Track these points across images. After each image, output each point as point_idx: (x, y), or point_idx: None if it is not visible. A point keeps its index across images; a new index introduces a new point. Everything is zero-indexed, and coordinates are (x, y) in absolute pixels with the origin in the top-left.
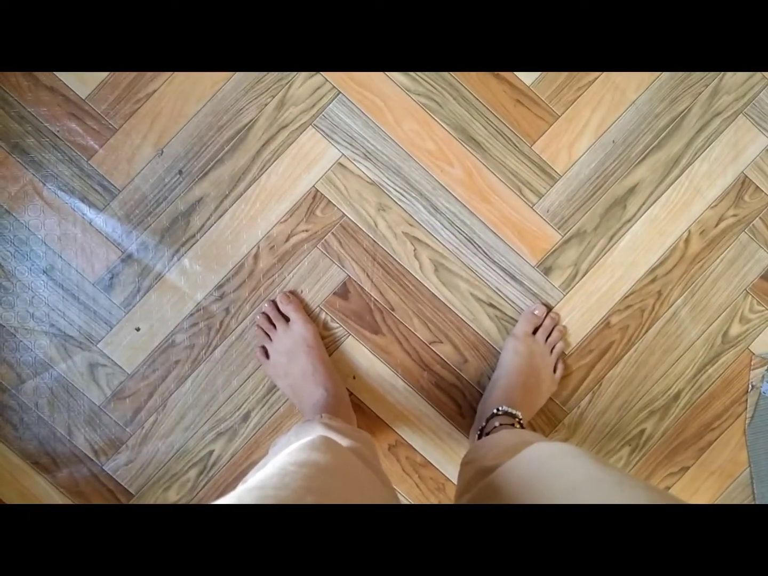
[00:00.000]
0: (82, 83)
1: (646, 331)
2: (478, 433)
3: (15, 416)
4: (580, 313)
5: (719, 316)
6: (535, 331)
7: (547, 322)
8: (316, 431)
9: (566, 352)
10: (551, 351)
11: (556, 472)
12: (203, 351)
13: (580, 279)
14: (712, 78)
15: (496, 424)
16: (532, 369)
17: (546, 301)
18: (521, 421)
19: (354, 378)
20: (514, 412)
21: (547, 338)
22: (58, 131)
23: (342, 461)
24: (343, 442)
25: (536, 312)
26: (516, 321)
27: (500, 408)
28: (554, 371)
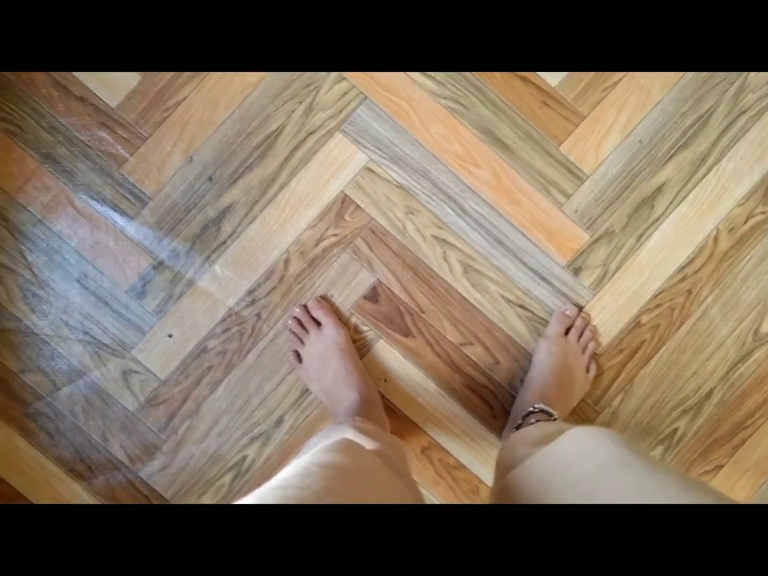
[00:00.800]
0: (111, 93)
1: (677, 329)
2: (514, 430)
3: (50, 424)
4: (611, 312)
5: (750, 314)
6: (567, 332)
7: (579, 322)
8: (345, 434)
9: (597, 352)
10: (583, 351)
11: (583, 454)
12: (236, 356)
13: (610, 279)
14: (737, 76)
15: (533, 420)
16: (566, 369)
17: (576, 301)
18: (557, 420)
19: (386, 381)
20: (550, 410)
21: (579, 338)
22: (88, 140)
23: (364, 464)
24: (371, 445)
25: (567, 312)
26: (547, 321)
27: (536, 406)
28: (587, 371)
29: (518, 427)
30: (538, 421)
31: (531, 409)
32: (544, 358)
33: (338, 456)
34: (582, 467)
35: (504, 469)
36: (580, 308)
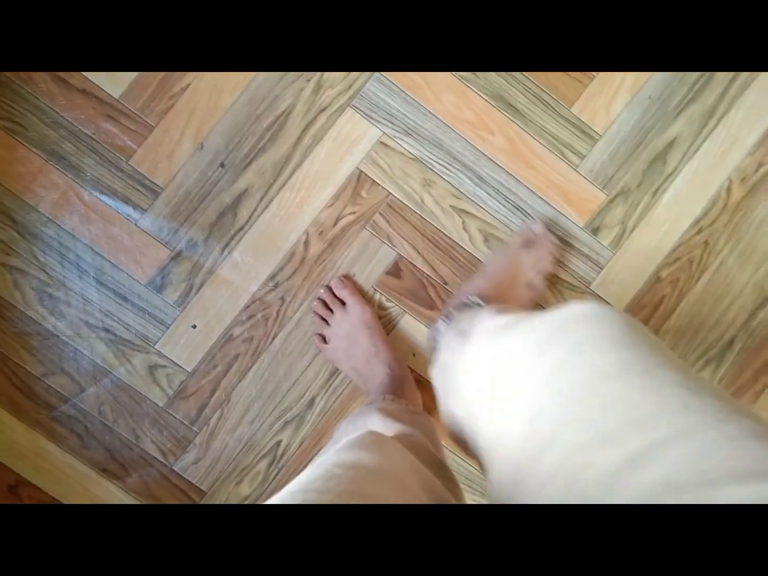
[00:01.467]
0: (114, 83)
1: (696, 281)
2: (445, 321)
3: (79, 426)
4: (631, 269)
5: (766, 261)
6: (529, 245)
7: (544, 242)
8: (371, 420)
9: (562, 278)
10: (535, 268)
11: (579, 346)
12: (262, 342)
13: (628, 236)
14: None
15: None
16: (509, 276)
17: (597, 261)
18: None
19: (414, 355)
20: (483, 304)
21: (538, 258)
22: (94, 134)
23: (390, 460)
24: (398, 429)
25: (533, 227)
26: (574, 287)
27: (471, 298)
28: (529, 286)
29: (449, 316)
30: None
31: (465, 300)
32: (494, 259)
33: (362, 453)
34: (577, 364)
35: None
36: (549, 227)
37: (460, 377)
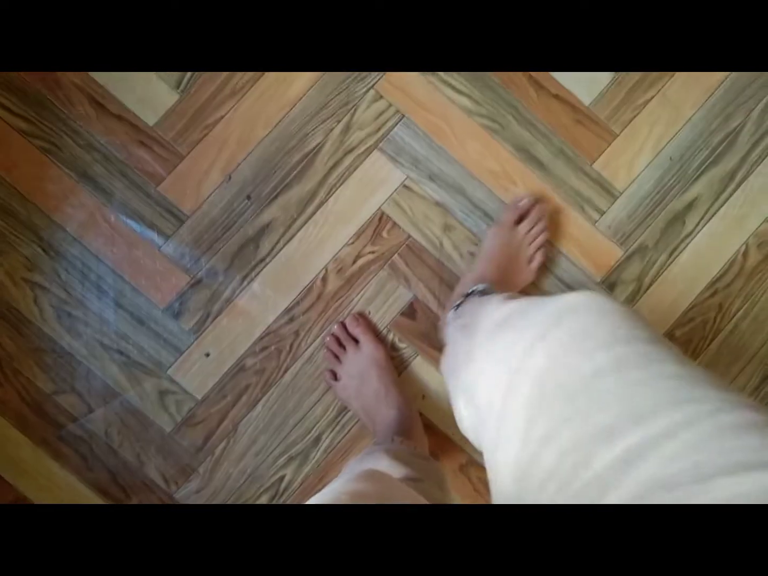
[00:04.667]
0: (149, 111)
1: (709, 343)
2: (453, 310)
3: (84, 446)
4: None
5: None
6: (520, 222)
7: (533, 213)
8: (379, 461)
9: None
10: (531, 242)
11: (576, 342)
12: (273, 374)
13: (643, 294)
14: (765, 94)
15: (473, 299)
16: (508, 256)
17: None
18: None
19: (423, 398)
20: (489, 289)
21: (531, 230)
22: (126, 159)
23: (394, 493)
24: (404, 472)
25: (520, 203)
26: None
27: (477, 287)
28: (530, 261)
29: (458, 307)
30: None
31: (471, 290)
32: (489, 242)
33: (367, 485)
34: (573, 361)
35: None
36: (537, 200)
37: (464, 376)
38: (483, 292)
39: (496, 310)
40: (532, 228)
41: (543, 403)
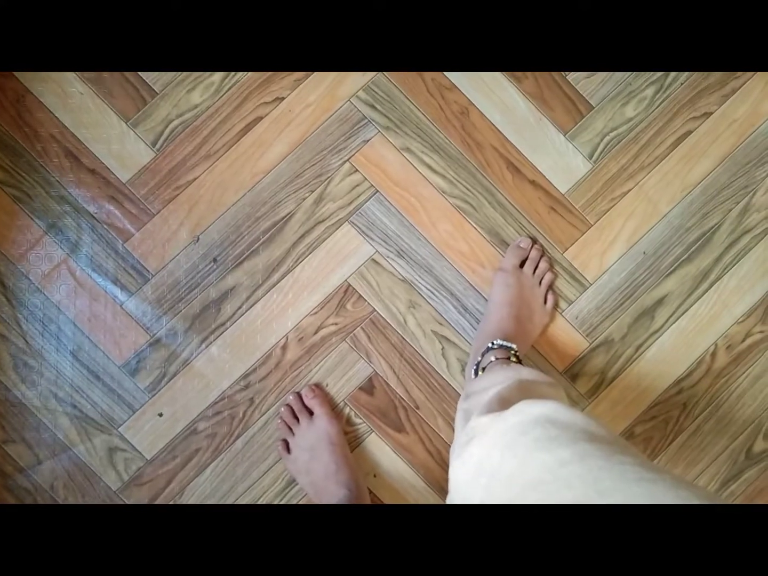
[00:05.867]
0: (123, 167)
1: (670, 443)
2: (474, 368)
3: (29, 498)
4: (605, 420)
5: (743, 432)
6: (522, 265)
7: (533, 253)
8: None
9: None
10: (540, 282)
11: (541, 443)
12: (225, 440)
13: (606, 387)
14: (743, 196)
15: (492, 358)
16: (523, 300)
17: (574, 402)
18: (517, 354)
19: (375, 476)
20: (509, 345)
21: (535, 270)
22: (96, 213)
23: None
24: None
25: (522, 245)
26: None
27: (495, 342)
28: (545, 302)
29: (477, 366)
30: (497, 359)
31: (490, 345)
32: (500, 290)
33: None
34: (540, 457)
35: (465, 418)
36: (534, 240)
37: (455, 463)
38: (502, 347)
39: (477, 419)
40: (536, 267)
41: (516, 499)
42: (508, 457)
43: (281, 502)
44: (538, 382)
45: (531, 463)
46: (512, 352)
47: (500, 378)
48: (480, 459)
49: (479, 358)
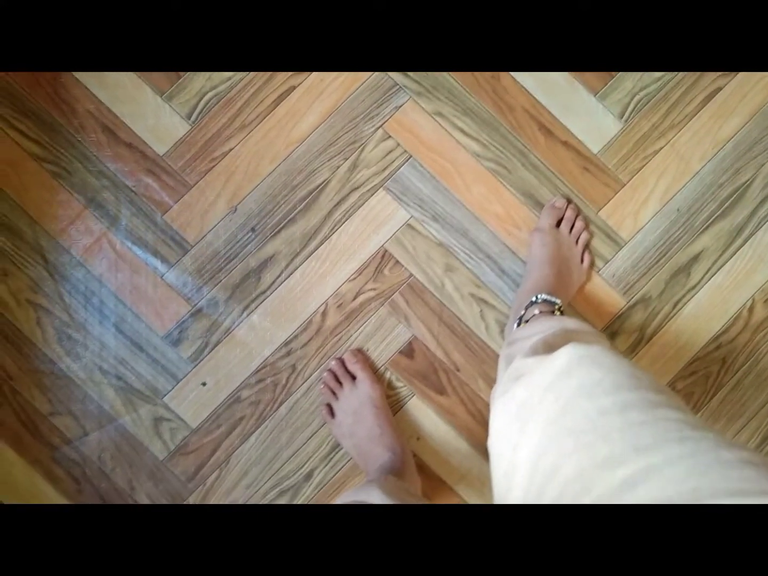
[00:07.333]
0: (159, 140)
1: (711, 398)
2: (517, 322)
3: (78, 469)
4: None
5: None
6: (558, 224)
7: (569, 213)
8: (372, 496)
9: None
10: (576, 241)
11: (584, 389)
12: (268, 407)
13: (645, 344)
14: None
15: (536, 311)
16: (562, 259)
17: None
18: (561, 308)
19: (418, 439)
20: (552, 299)
21: (571, 229)
22: (134, 186)
23: None
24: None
25: (556, 204)
26: None
27: (539, 296)
28: (582, 261)
29: (520, 320)
30: (541, 312)
31: (533, 299)
32: (539, 249)
33: None
34: (581, 404)
35: (507, 362)
36: (570, 201)
37: (496, 404)
38: (545, 301)
39: (520, 360)
40: (573, 227)
41: (551, 443)
42: (550, 400)
43: (327, 467)
44: (584, 332)
45: (571, 409)
46: (557, 306)
47: (545, 326)
48: (523, 400)
49: (522, 312)
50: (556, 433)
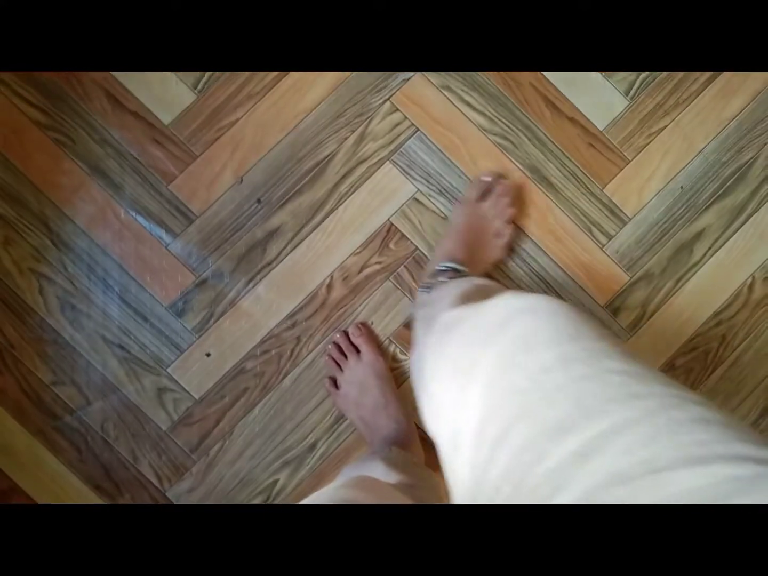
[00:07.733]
0: (165, 109)
1: (710, 374)
2: (424, 287)
3: (80, 439)
4: (646, 354)
5: None
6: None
7: (498, 188)
8: (375, 467)
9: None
10: (498, 217)
11: (522, 340)
12: (273, 378)
13: (647, 320)
14: None
15: (442, 279)
16: (475, 231)
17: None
18: (468, 275)
19: None
20: (460, 268)
21: (497, 205)
22: (139, 155)
23: (385, 501)
24: (398, 478)
25: (484, 178)
26: None
27: (446, 264)
28: (498, 236)
29: (428, 287)
30: (450, 279)
31: (439, 267)
32: (455, 219)
33: (359, 492)
34: (521, 361)
35: (427, 323)
36: (500, 175)
37: (423, 375)
38: (454, 270)
39: (447, 312)
40: (497, 202)
41: (494, 406)
42: (489, 357)
43: (331, 438)
44: (496, 287)
45: (510, 366)
46: (463, 275)
47: (456, 286)
48: (455, 360)
49: (429, 280)
50: (497, 396)
